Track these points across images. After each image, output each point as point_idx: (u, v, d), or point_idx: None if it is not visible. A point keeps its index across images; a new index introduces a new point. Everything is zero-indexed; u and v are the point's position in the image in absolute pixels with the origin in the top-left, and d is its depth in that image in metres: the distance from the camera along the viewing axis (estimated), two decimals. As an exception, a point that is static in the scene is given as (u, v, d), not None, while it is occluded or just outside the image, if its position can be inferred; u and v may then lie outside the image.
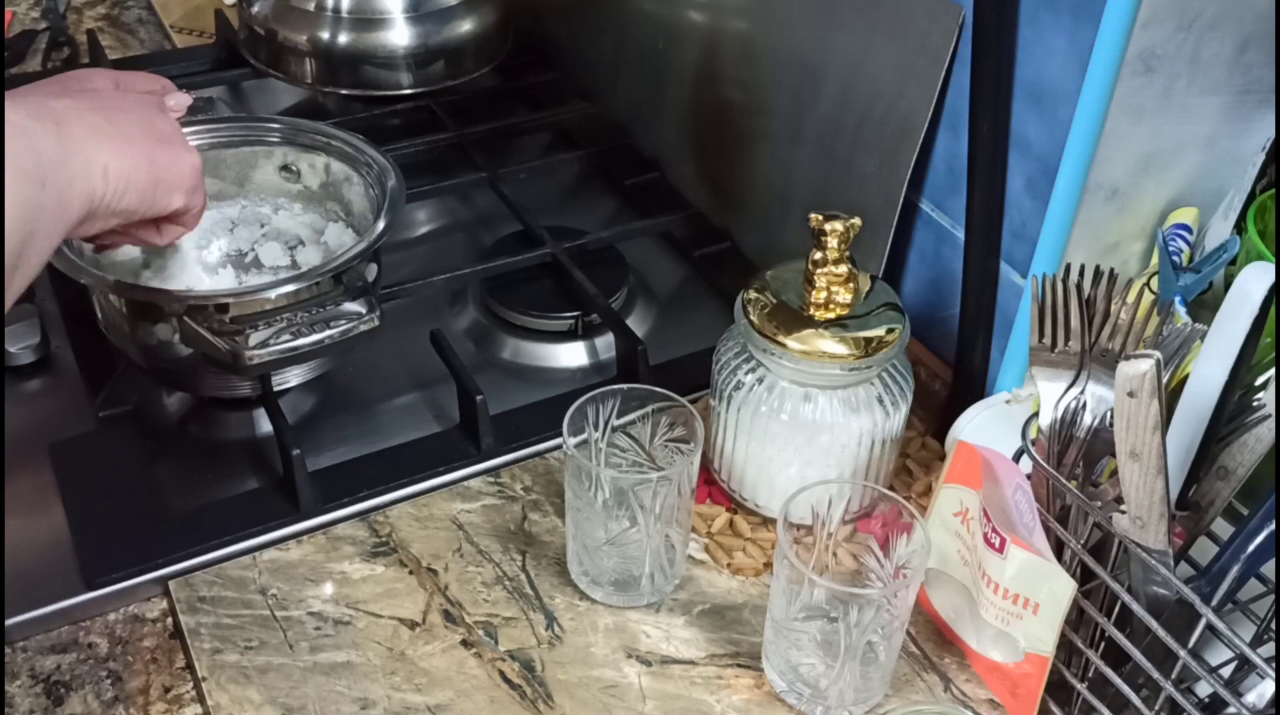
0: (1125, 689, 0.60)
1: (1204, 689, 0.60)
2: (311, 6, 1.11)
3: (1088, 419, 0.62)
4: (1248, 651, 0.55)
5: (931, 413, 0.83)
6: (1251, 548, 0.56)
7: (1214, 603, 0.56)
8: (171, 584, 0.71)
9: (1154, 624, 0.57)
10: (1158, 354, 0.52)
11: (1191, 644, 0.56)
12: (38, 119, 0.55)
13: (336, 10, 1.10)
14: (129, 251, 0.82)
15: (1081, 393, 0.63)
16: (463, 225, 1.06)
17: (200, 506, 0.76)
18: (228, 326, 0.72)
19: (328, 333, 0.73)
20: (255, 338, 0.71)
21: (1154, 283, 0.68)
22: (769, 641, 0.67)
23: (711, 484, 0.78)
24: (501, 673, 0.68)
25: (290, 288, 0.74)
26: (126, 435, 0.80)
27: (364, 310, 0.74)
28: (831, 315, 0.71)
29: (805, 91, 0.88)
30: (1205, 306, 0.65)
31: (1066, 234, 0.71)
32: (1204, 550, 0.60)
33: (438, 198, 1.05)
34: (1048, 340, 0.64)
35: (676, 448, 0.72)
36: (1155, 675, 0.58)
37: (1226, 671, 0.59)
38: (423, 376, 0.87)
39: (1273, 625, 0.60)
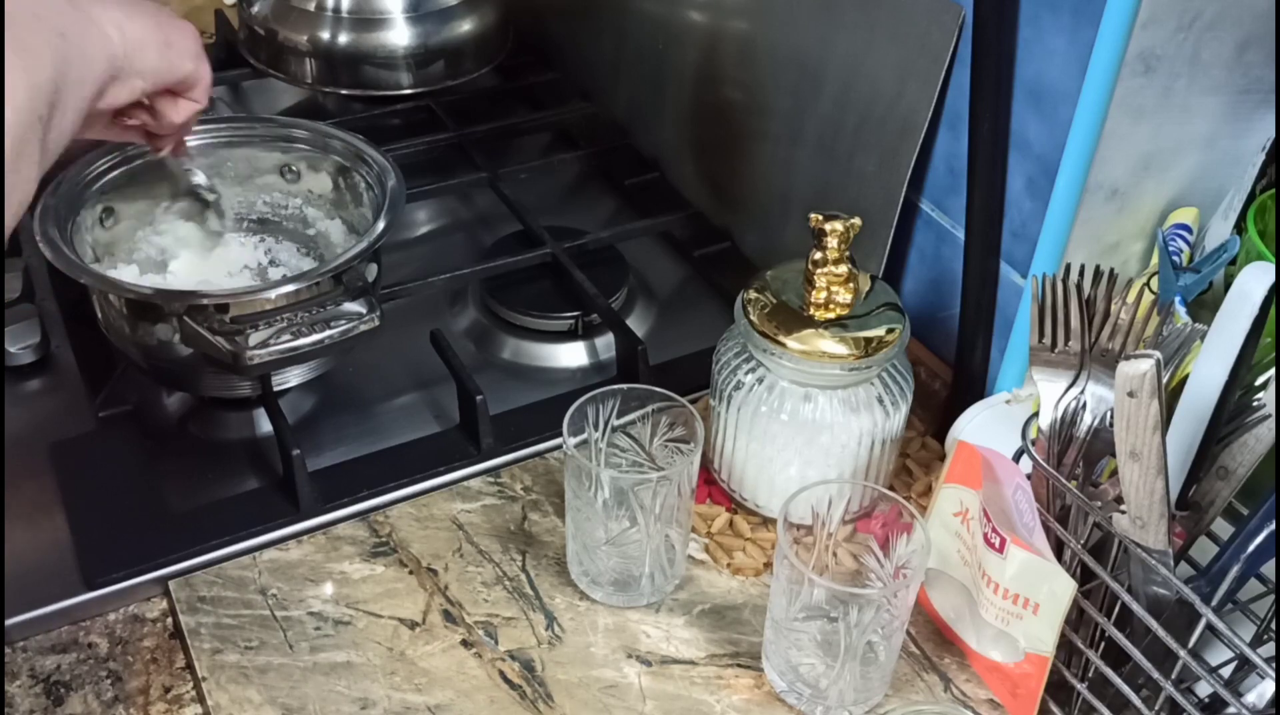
0: (1125, 689, 0.60)
1: (1204, 689, 0.60)
2: (311, 6, 1.11)
3: (1088, 419, 0.62)
4: (1248, 651, 0.55)
5: (931, 413, 0.83)
6: (1251, 548, 0.56)
7: (1214, 603, 0.56)
8: (171, 584, 0.71)
9: (1154, 624, 0.57)
10: (1158, 354, 0.51)
11: (1191, 644, 0.56)
12: None
13: (336, 10, 1.10)
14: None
15: (1081, 393, 0.63)
16: (463, 225, 1.06)
17: (200, 506, 0.76)
18: (228, 326, 0.72)
19: (328, 333, 0.73)
20: (255, 338, 0.71)
21: (1154, 283, 0.68)
22: (769, 641, 0.67)
23: (711, 484, 0.78)
24: (501, 673, 0.68)
25: (290, 288, 0.74)
26: (126, 435, 0.80)
27: (364, 310, 0.74)
28: (831, 315, 0.71)
29: (805, 91, 0.88)
30: (1205, 306, 0.65)
31: (1066, 234, 0.71)
32: (1204, 550, 0.60)
33: (438, 198, 1.05)
34: (1048, 340, 0.64)
35: (676, 448, 0.72)
36: (1155, 675, 0.58)
37: (1226, 671, 0.59)
38: (423, 376, 0.87)
39: (1273, 625, 0.60)
